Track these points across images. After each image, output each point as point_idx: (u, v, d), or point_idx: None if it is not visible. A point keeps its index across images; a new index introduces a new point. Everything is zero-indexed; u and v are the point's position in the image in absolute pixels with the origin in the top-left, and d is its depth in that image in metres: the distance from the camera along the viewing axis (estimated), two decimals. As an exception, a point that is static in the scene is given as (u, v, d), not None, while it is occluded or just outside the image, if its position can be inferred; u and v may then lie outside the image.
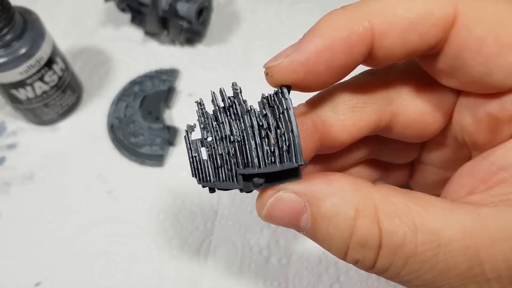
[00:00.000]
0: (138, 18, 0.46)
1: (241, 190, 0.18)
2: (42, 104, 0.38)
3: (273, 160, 0.18)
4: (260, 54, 0.45)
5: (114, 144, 0.40)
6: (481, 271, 0.16)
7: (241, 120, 0.18)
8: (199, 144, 0.20)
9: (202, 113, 0.19)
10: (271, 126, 0.18)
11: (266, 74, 0.18)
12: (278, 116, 0.18)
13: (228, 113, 0.19)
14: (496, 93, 0.19)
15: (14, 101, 0.38)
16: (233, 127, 0.18)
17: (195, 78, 0.44)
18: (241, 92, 0.19)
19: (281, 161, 0.18)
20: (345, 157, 0.25)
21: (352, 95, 0.21)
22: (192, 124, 0.20)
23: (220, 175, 0.19)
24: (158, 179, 0.38)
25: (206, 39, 0.47)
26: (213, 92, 0.19)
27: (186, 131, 0.20)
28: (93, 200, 0.37)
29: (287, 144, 0.17)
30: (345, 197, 0.17)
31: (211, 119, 0.19)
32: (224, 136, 0.19)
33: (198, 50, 0.46)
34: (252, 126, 0.18)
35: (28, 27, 0.35)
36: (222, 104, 0.19)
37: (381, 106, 0.21)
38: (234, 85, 0.19)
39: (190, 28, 0.44)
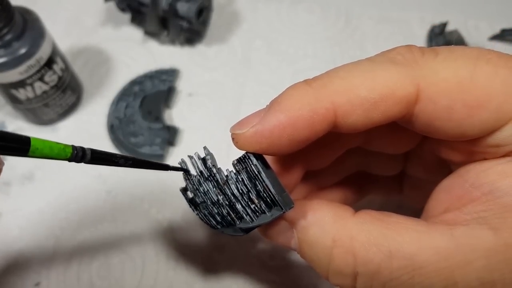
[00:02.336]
0: (138, 18, 0.46)
1: (246, 233, 0.21)
2: (42, 104, 0.38)
3: (263, 211, 0.20)
4: (260, 54, 0.45)
5: (114, 144, 0.40)
6: None
7: (223, 189, 0.20)
8: (196, 204, 0.22)
9: (188, 179, 0.22)
10: (251, 189, 0.20)
11: (233, 139, 0.19)
12: (253, 177, 0.19)
13: (209, 180, 0.21)
14: None
15: (14, 101, 0.38)
16: (218, 196, 0.21)
17: (195, 78, 0.44)
18: (212, 158, 0.21)
19: (269, 208, 0.19)
20: (335, 170, 0.27)
21: None
22: (184, 186, 0.22)
23: (224, 224, 0.21)
24: (158, 179, 0.38)
25: (206, 39, 0.47)
26: (191, 157, 0.21)
27: (182, 193, 0.22)
28: (93, 200, 0.37)
29: (270, 198, 0.19)
30: (324, 227, 0.19)
31: (197, 184, 0.21)
32: (213, 202, 0.21)
33: (198, 50, 0.46)
34: (233, 195, 0.20)
35: (28, 27, 0.34)
36: (206, 173, 0.21)
37: None
38: (205, 149, 0.21)
39: (190, 28, 0.44)
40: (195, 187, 0.21)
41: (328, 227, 0.19)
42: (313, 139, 0.19)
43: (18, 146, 0.16)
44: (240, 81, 0.44)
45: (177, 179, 0.38)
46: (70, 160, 0.18)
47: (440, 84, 0.18)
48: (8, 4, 0.33)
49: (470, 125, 0.18)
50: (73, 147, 0.18)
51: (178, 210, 0.37)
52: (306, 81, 0.19)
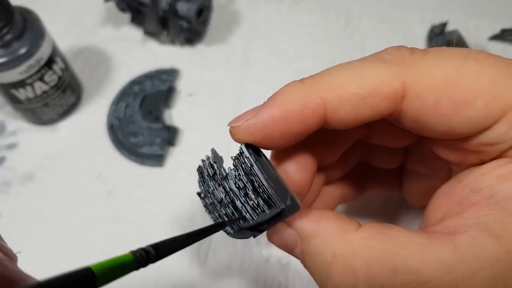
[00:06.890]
0: (138, 18, 0.46)
1: (254, 236, 0.21)
2: (42, 104, 0.38)
3: (262, 209, 0.19)
4: (260, 54, 0.45)
5: (114, 144, 0.40)
6: None
7: (224, 186, 0.21)
8: (210, 207, 0.22)
9: (202, 183, 0.22)
10: (247, 184, 0.20)
11: (230, 132, 0.20)
12: (248, 171, 0.20)
13: (215, 179, 0.21)
14: None
15: (14, 101, 0.38)
16: (221, 194, 0.21)
17: (195, 78, 0.44)
18: (215, 159, 0.21)
19: (269, 207, 0.19)
20: (340, 164, 0.27)
21: None
22: (200, 191, 0.23)
23: (234, 228, 0.21)
24: (158, 179, 0.38)
25: (206, 39, 0.47)
26: (203, 160, 0.21)
27: (199, 197, 0.23)
28: (93, 200, 0.37)
29: (267, 195, 0.19)
30: (326, 239, 0.19)
31: (207, 186, 0.22)
32: (219, 202, 0.21)
33: (198, 50, 0.46)
34: (232, 190, 0.20)
35: (28, 27, 0.34)
36: (212, 172, 0.21)
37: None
38: (212, 151, 0.21)
39: (190, 28, 0.44)
40: (206, 189, 0.22)
41: (330, 240, 0.18)
42: (305, 134, 0.19)
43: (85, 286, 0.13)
44: (240, 81, 0.44)
45: (178, 180, 0.38)
46: (137, 268, 0.16)
47: (427, 81, 0.18)
48: (8, 4, 0.33)
49: (457, 122, 0.18)
50: (132, 253, 0.16)
51: (179, 210, 0.37)
52: (301, 79, 0.20)
